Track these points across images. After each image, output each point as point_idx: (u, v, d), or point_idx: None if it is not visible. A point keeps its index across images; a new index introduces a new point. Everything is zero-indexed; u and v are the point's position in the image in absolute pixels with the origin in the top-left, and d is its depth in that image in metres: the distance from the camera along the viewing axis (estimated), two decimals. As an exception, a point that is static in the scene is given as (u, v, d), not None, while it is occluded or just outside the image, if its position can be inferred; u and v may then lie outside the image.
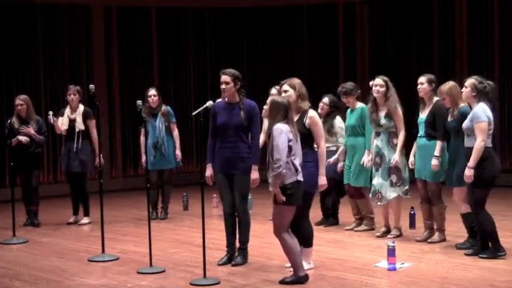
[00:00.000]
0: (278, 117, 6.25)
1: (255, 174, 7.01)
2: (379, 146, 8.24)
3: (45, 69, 13.09)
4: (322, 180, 6.68)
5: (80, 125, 9.58)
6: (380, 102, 8.20)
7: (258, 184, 7.04)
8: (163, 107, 9.98)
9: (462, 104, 7.38)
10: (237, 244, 7.24)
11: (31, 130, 9.47)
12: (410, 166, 8.10)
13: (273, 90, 9.08)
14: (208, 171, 7.21)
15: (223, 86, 7.06)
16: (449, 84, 7.51)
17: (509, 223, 8.84)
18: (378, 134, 8.27)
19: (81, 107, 9.66)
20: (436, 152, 7.67)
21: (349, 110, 8.84)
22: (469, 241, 7.58)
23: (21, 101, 9.54)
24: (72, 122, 9.60)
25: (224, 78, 7.07)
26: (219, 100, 7.29)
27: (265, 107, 6.56)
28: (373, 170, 8.33)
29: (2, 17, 12.62)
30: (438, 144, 7.68)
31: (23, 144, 9.43)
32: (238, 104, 7.07)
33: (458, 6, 13.19)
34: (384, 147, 8.20)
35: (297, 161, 6.26)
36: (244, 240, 7.20)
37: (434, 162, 7.66)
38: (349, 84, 8.78)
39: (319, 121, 6.88)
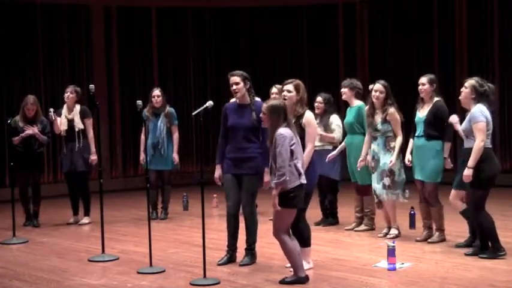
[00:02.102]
0: (280, 122, 6.20)
1: (267, 177, 6.88)
2: (375, 150, 8.23)
3: (45, 69, 13.08)
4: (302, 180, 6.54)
5: (79, 124, 9.58)
6: (377, 107, 8.19)
7: (269, 186, 6.97)
8: (168, 108, 9.98)
9: None
10: (238, 245, 7.23)
11: (35, 129, 9.46)
12: (408, 164, 8.04)
13: (274, 89, 9.08)
14: (217, 172, 7.19)
15: (233, 87, 7.04)
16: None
17: (509, 223, 8.84)
18: (374, 138, 8.26)
19: (78, 107, 9.66)
20: (445, 154, 7.73)
21: (348, 108, 8.87)
22: (469, 238, 7.59)
23: (32, 105, 9.50)
24: (70, 122, 9.60)
25: (234, 79, 7.05)
26: (232, 100, 7.29)
27: (262, 115, 6.40)
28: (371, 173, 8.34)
29: (2, 17, 12.62)
30: (446, 145, 7.77)
31: (30, 135, 9.38)
32: (249, 105, 7.05)
33: (458, 6, 13.19)
34: (379, 151, 8.18)
35: (299, 164, 6.24)
36: (252, 241, 7.18)
37: (448, 166, 7.82)
38: (349, 79, 8.90)
39: (314, 122, 6.86)
